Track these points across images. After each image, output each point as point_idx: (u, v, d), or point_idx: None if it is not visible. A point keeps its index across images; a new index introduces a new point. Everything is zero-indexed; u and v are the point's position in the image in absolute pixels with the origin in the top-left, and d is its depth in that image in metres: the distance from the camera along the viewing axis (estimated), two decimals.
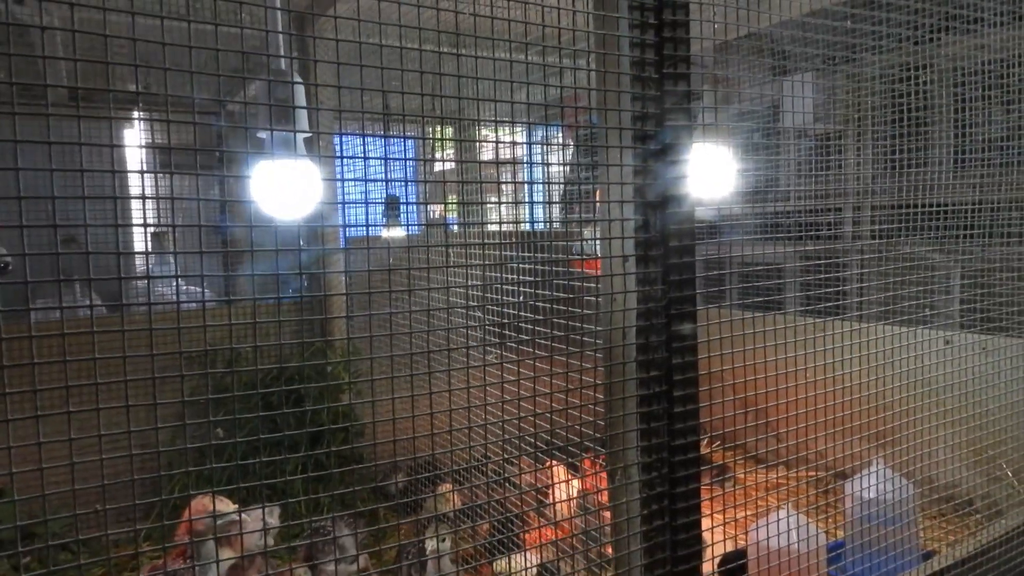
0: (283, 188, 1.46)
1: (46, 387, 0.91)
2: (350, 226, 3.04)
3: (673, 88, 1.20)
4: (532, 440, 1.55)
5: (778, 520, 1.79)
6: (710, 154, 1.91)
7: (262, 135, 1.45)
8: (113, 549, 2.38)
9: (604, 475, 2.68)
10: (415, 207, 3.82)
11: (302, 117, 1.48)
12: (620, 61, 1.16)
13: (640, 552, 1.20)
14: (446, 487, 2.42)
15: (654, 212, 1.18)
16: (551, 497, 2.40)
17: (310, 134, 1.50)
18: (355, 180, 1.40)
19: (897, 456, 2.24)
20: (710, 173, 1.90)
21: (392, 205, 3.93)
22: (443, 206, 3.93)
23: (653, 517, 1.20)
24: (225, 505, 1.69)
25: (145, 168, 3.76)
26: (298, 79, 1.53)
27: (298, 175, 1.47)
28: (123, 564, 2.39)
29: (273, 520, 2.06)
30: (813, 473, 2.79)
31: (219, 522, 1.61)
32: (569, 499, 2.42)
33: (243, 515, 1.96)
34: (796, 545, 1.76)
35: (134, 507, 0.95)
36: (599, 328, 1.26)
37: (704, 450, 3.13)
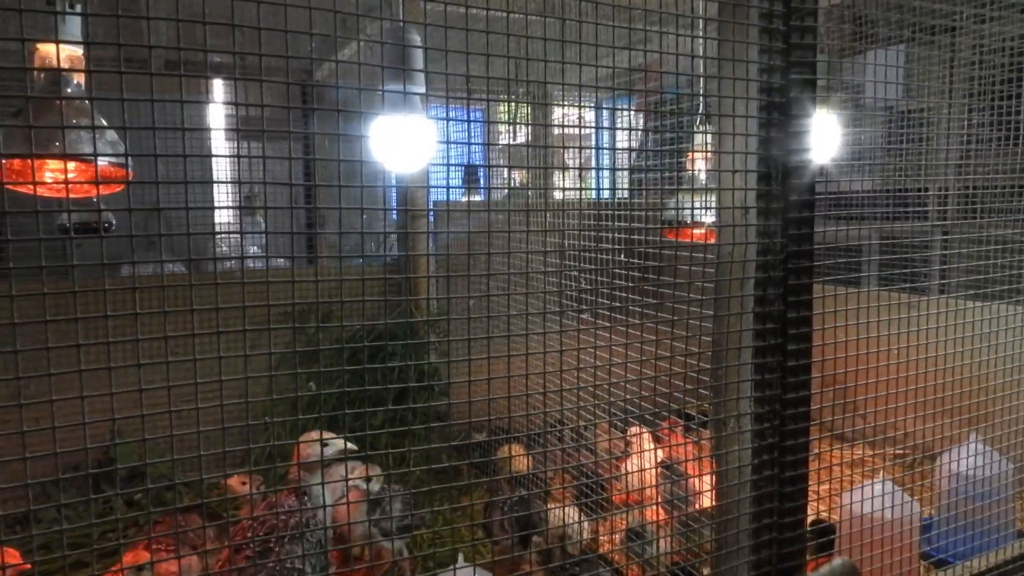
0: (400, 143, 1.51)
1: (147, 337, 0.96)
2: (445, 187, 3.10)
3: (800, 41, 1.19)
4: (614, 406, 1.57)
5: (872, 490, 1.78)
6: (819, 119, 1.88)
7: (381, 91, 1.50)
8: (211, 492, 2.52)
9: (689, 442, 2.68)
10: (498, 175, 3.86)
11: (418, 76, 1.53)
12: (749, 12, 1.16)
13: (748, 500, 1.22)
14: (515, 449, 2.47)
15: (777, 165, 1.19)
16: (629, 463, 2.43)
17: (423, 93, 1.55)
18: (469, 143, 1.44)
19: (992, 436, 2.19)
20: (822, 138, 1.87)
21: (471, 173, 3.99)
22: (525, 173, 3.97)
23: (763, 467, 1.22)
24: (336, 441, 1.76)
25: (238, 134, 3.89)
26: (415, 40, 1.58)
27: (415, 131, 1.52)
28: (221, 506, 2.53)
29: (375, 472, 2.14)
30: (899, 453, 2.74)
31: (328, 452, 1.69)
32: (654, 465, 2.44)
33: (349, 464, 2.05)
34: (890, 515, 1.75)
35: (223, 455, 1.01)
36: (710, 282, 1.28)
37: None
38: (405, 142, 1.51)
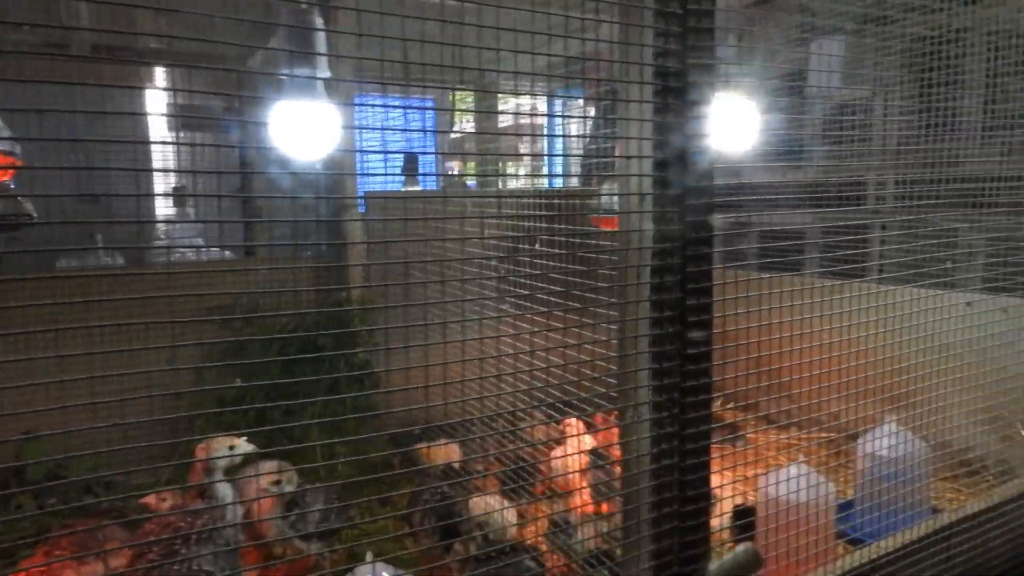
0: (301, 129, 1.46)
1: (65, 327, 0.92)
2: (368, 174, 3.05)
3: (697, 25, 1.18)
4: (542, 395, 1.56)
5: (787, 475, 1.79)
6: (732, 104, 1.88)
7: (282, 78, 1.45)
8: (135, 491, 2.44)
9: (616, 430, 2.68)
10: (434, 165, 3.81)
11: (321, 61, 1.48)
12: None
13: (648, 490, 1.21)
14: (441, 442, 2.44)
15: (674, 152, 1.17)
16: (561, 451, 2.42)
17: (328, 77, 1.50)
18: (372, 128, 1.40)
19: (912, 418, 2.23)
20: (732, 125, 1.87)
21: (411, 162, 3.93)
22: (462, 163, 3.92)
23: (662, 456, 1.21)
24: (240, 443, 1.72)
25: (164, 125, 3.77)
26: (318, 23, 1.52)
27: (316, 117, 1.47)
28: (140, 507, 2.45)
29: (289, 474, 2.09)
30: (826, 434, 2.79)
31: (233, 456, 1.64)
32: (579, 453, 2.43)
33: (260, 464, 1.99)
34: (805, 499, 1.77)
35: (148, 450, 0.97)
36: (613, 270, 1.26)
37: (726, 414, 3.14)
38: (307, 128, 1.46)
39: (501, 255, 2.13)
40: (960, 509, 1.81)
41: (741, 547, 1.30)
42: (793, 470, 1.82)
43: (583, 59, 1.28)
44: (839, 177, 3.24)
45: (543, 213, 2.27)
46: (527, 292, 1.63)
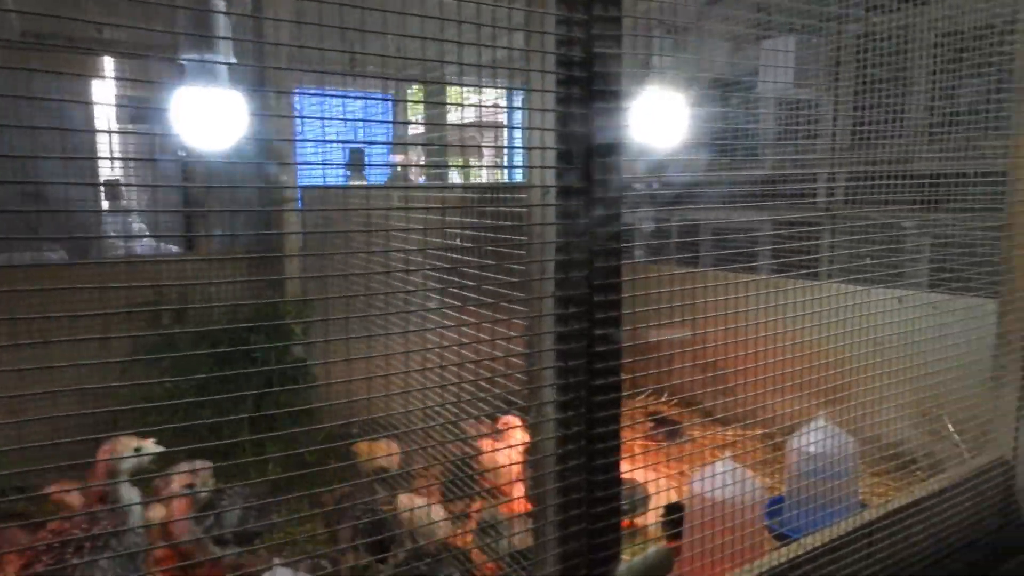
0: (204, 118, 1.40)
1: None
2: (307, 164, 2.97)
3: (603, 14, 1.14)
4: (459, 396, 1.52)
5: (713, 473, 1.78)
6: (660, 99, 1.86)
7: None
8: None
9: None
10: (380, 158, 3.74)
11: (226, 47, 1.41)
12: None
13: (555, 491, 1.18)
14: (379, 445, 2.39)
15: (579, 142, 1.14)
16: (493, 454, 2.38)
17: (233, 63, 1.43)
18: (286, 116, 1.34)
19: (846, 413, 2.24)
20: (659, 119, 1.85)
21: (356, 156, 3.85)
22: (405, 157, 3.86)
23: (568, 457, 1.18)
24: (148, 445, 1.65)
25: (91, 115, 3.63)
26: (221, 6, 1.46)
27: (220, 105, 1.41)
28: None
29: (204, 474, 2.01)
30: (765, 429, 2.79)
31: (140, 460, 1.57)
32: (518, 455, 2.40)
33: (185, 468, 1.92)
34: (730, 496, 1.75)
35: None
36: (522, 265, 1.22)
37: (662, 408, 3.13)
38: (211, 116, 1.39)
39: (421, 251, 2.09)
40: (882, 505, 1.82)
41: (653, 548, 1.28)
42: (719, 467, 1.80)
43: (479, 45, 1.24)
44: (775, 174, 3.26)
45: (459, 207, 2.23)
46: (442, 288, 1.58)
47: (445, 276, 1.59)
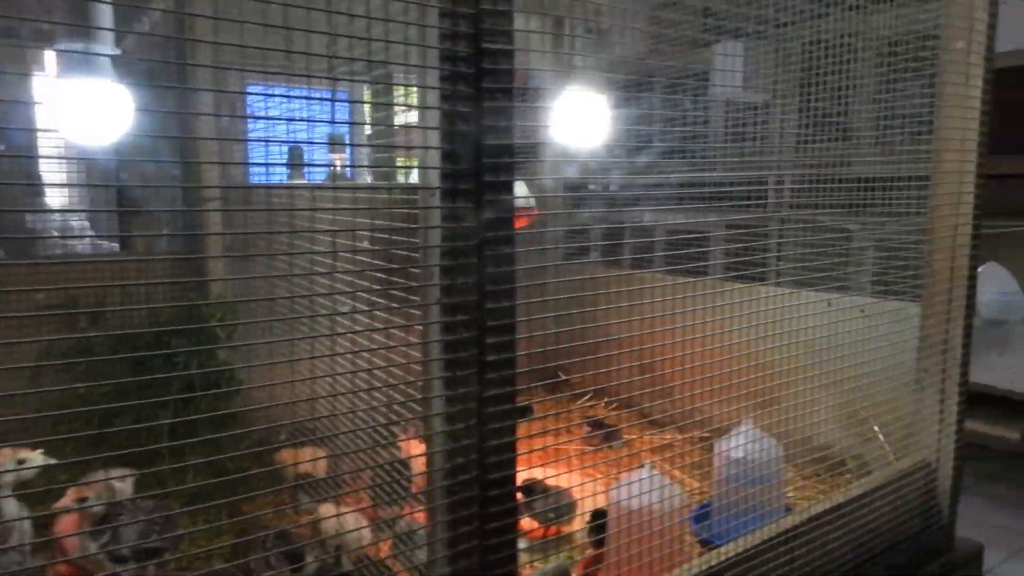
0: (84, 112, 1.31)
1: None
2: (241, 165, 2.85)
3: (492, 7, 1.09)
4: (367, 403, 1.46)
5: (630, 480, 1.75)
6: (579, 99, 1.82)
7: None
8: None
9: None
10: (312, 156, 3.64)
11: (107, 37, 1.33)
12: None
13: (444, 507, 1.13)
14: (302, 452, 2.32)
15: (466, 142, 1.08)
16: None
17: (115, 54, 1.35)
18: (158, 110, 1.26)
19: (777, 417, 2.24)
20: (578, 119, 1.81)
21: (295, 154, 3.75)
22: (340, 156, 3.77)
23: (458, 472, 1.12)
24: (34, 456, 1.55)
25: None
26: None
27: (102, 98, 1.33)
28: None
29: (125, 488, 1.92)
30: (699, 432, 2.78)
31: (24, 471, 1.48)
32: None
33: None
34: (650, 504, 1.72)
35: None
36: (412, 269, 1.17)
37: (600, 412, 3.11)
38: (91, 110, 1.31)
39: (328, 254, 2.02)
40: (804, 510, 1.80)
41: (552, 564, 1.23)
42: (638, 474, 1.77)
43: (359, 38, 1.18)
44: (701, 176, 3.26)
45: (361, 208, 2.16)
46: (346, 293, 1.52)
47: (346, 280, 1.53)
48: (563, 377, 3.18)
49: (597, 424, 2.70)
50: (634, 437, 2.72)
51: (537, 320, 1.63)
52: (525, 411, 2.98)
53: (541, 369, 1.76)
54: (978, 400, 3.97)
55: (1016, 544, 3.42)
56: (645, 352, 2.06)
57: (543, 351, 1.77)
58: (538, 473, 2.16)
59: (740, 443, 1.96)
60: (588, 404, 3.18)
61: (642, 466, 1.82)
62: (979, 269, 3.98)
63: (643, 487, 1.72)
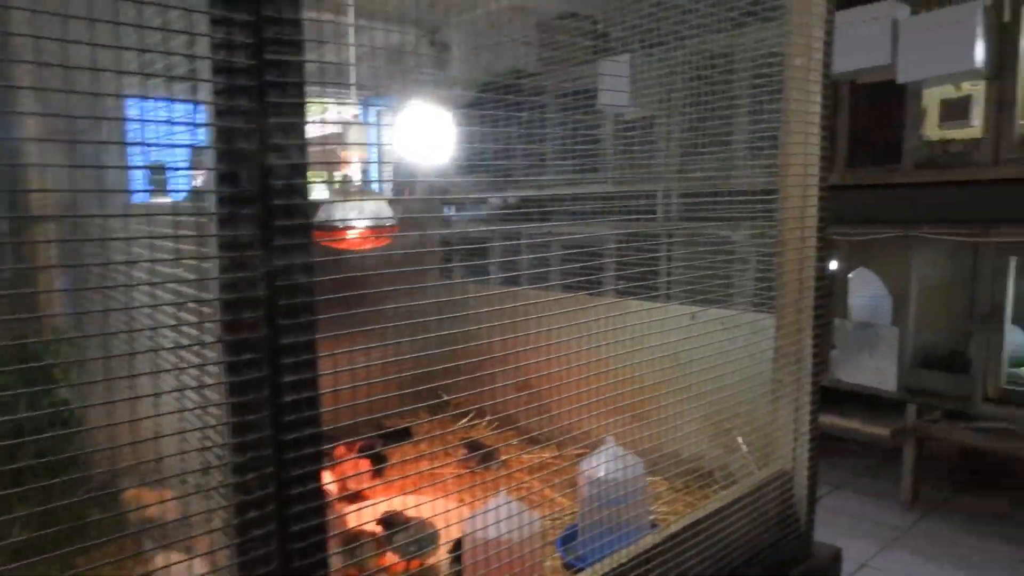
0: None
1: None
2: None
3: (276, 15, 1.00)
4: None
5: (485, 509, 1.68)
6: (426, 114, 1.75)
7: None
8: None
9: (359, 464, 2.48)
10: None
11: None
12: None
13: (236, 567, 1.01)
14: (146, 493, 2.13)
15: (247, 162, 0.98)
16: None
17: None
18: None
19: (648, 431, 2.22)
20: (426, 135, 1.74)
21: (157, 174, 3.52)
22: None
23: (250, 527, 1.01)
24: None
25: None
26: None
27: None
28: None
29: None
30: (575, 448, 2.75)
31: None
32: None
33: None
34: (506, 533, 1.66)
35: None
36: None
37: (478, 433, 3.03)
38: None
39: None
40: (664, 528, 1.78)
41: None
42: (496, 501, 1.70)
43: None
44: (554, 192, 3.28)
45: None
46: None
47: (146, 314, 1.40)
48: (445, 397, 3.10)
49: (474, 446, 2.63)
50: (511, 456, 2.66)
51: (419, 340, 1.55)
52: (403, 434, 2.88)
53: (424, 390, 1.68)
54: (853, 399, 4.15)
55: (888, 536, 3.57)
56: (521, 369, 2.01)
57: (425, 372, 1.69)
58: (410, 501, 2.06)
59: (603, 462, 1.92)
60: (472, 424, 3.11)
61: (498, 493, 1.75)
62: (850, 275, 4.17)
63: (499, 515, 1.66)
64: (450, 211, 4.41)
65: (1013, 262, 3.53)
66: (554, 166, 3.85)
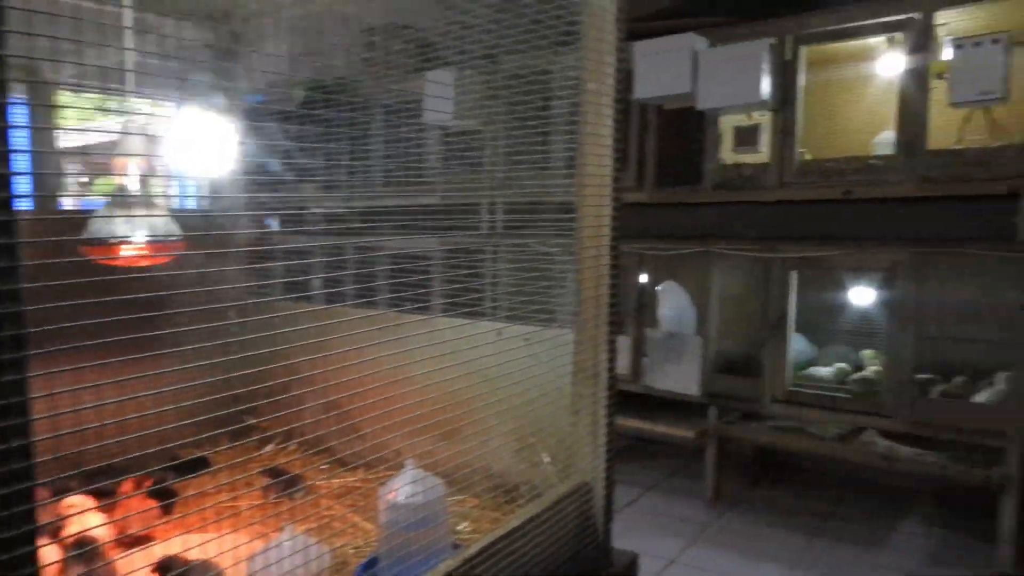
0: None
1: None
2: None
3: None
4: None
5: (268, 548, 1.57)
6: (204, 121, 1.62)
7: None
8: None
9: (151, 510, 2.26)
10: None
11: None
12: None
13: None
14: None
15: None
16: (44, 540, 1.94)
17: None
18: None
19: (456, 448, 2.20)
20: (204, 142, 1.61)
21: None
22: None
23: None
24: None
25: None
26: None
27: None
28: None
29: None
30: (389, 473, 2.68)
31: None
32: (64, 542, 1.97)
33: None
34: (291, 570, 1.56)
35: None
36: None
37: (284, 458, 2.88)
38: None
39: None
40: (463, 550, 1.76)
41: None
42: (280, 538, 1.60)
43: None
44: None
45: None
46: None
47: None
48: (250, 421, 2.91)
49: (276, 473, 2.48)
50: (315, 482, 2.54)
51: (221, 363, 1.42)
52: (199, 464, 2.66)
53: (225, 415, 1.55)
54: (663, 404, 4.40)
55: (694, 533, 3.80)
56: (329, 389, 1.92)
57: (227, 395, 1.55)
58: (194, 540, 1.89)
59: (401, 486, 1.87)
60: (280, 447, 2.94)
61: (285, 528, 1.65)
62: (658, 288, 4.42)
63: (282, 552, 1.55)
64: (271, 224, 4.21)
65: (795, 276, 3.91)
66: (368, 177, 3.78)
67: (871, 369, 4.01)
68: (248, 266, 3.48)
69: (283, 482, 2.42)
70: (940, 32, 3.50)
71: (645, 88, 3.99)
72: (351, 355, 1.82)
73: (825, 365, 4.22)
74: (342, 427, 1.93)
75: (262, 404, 1.77)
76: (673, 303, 4.36)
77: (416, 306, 2.19)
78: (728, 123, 4.22)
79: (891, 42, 3.92)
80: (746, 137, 4.10)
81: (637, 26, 4.40)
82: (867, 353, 4.20)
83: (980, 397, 3.46)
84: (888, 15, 3.60)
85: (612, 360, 2.03)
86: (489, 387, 2.17)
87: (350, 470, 2.65)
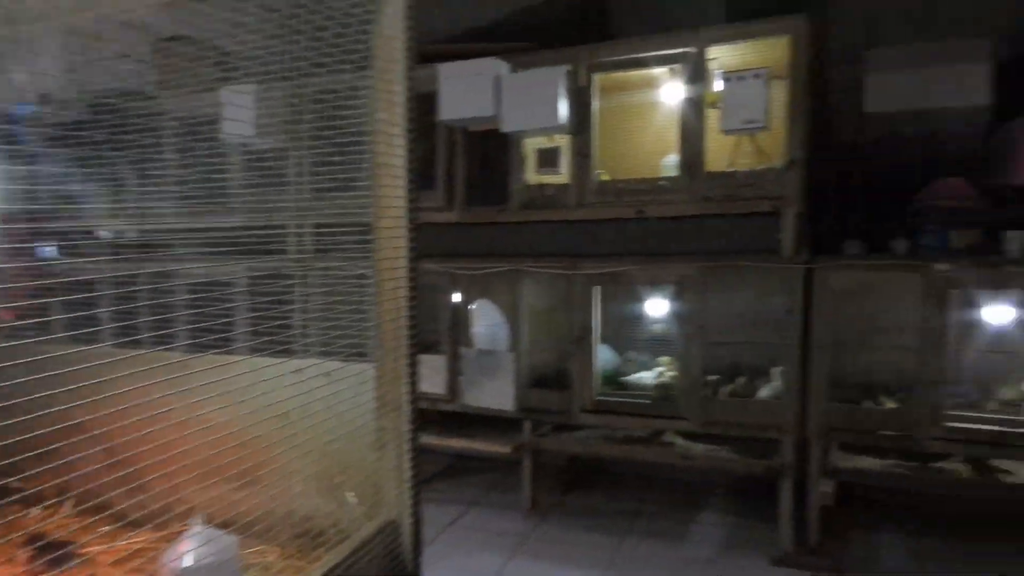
0: None
1: None
2: None
3: None
4: None
5: None
6: None
7: None
8: None
9: None
10: None
11: None
12: None
13: None
14: None
15: None
16: None
17: None
18: None
19: (259, 495, 2.06)
20: None
21: None
22: None
23: None
24: None
25: None
26: None
27: None
28: None
29: None
30: (183, 529, 2.46)
31: None
32: None
33: None
34: None
35: None
36: None
37: (56, 524, 2.55)
38: None
39: None
40: None
41: None
42: None
43: None
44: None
45: None
46: None
47: None
48: (10, 480, 2.54)
49: (42, 546, 2.18)
50: (91, 549, 2.27)
51: None
52: None
53: None
54: (479, 421, 4.45)
55: (514, 545, 3.87)
56: (108, 438, 1.71)
57: None
58: None
59: (187, 550, 1.71)
60: (49, 509, 2.59)
61: None
62: (471, 305, 4.46)
63: None
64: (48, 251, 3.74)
65: (599, 290, 4.12)
66: (166, 199, 3.50)
67: (668, 375, 4.32)
68: (12, 304, 3.07)
69: (51, 551, 2.13)
70: (712, 66, 3.87)
71: (450, 110, 4.03)
72: (134, 399, 1.66)
73: (629, 374, 4.48)
74: (125, 480, 1.74)
75: (25, 459, 1.56)
76: (486, 321, 4.42)
77: (216, 337, 2.04)
78: (531, 145, 4.36)
79: (672, 72, 4.26)
80: (548, 159, 4.27)
81: (440, 48, 4.44)
82: (663, 360, 4.52)
83: (763, 393, 3.84)
84: (668, 48, 3.91)
85: (414, 391, 2.00)
86: (290, 428, 2.06)
87: (136, 531, 2.40)
